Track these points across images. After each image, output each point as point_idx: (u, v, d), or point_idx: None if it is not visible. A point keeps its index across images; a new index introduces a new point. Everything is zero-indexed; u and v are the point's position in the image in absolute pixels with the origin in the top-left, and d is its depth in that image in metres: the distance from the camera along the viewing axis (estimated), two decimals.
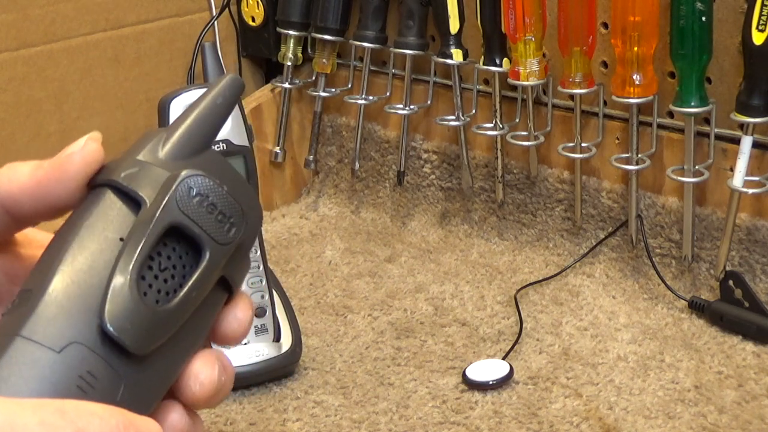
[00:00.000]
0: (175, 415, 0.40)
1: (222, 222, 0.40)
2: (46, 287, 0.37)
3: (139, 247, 0.38)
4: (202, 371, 0.40)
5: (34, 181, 0.41)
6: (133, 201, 0.39)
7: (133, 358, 0.37)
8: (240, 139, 0.86)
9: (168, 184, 0.39)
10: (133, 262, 0.38)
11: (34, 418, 0.33)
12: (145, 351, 0.37)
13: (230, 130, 0.86)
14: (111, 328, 0.37)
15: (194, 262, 0.39)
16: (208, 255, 0.39)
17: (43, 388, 0.35)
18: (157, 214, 0.39)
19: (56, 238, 0.40)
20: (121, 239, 0.38)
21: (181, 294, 0.39)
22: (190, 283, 0.39)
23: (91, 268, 0.38)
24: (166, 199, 0.39)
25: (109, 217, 0.39)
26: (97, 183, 0.40)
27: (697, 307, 0.94)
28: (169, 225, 0.39)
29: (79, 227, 0.39)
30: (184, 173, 0.40)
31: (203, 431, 0.41)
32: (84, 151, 0.40)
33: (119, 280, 0.37)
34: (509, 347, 0.92)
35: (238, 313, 0.42)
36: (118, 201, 0.40)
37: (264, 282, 0.88)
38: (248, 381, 0.88)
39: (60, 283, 0.38)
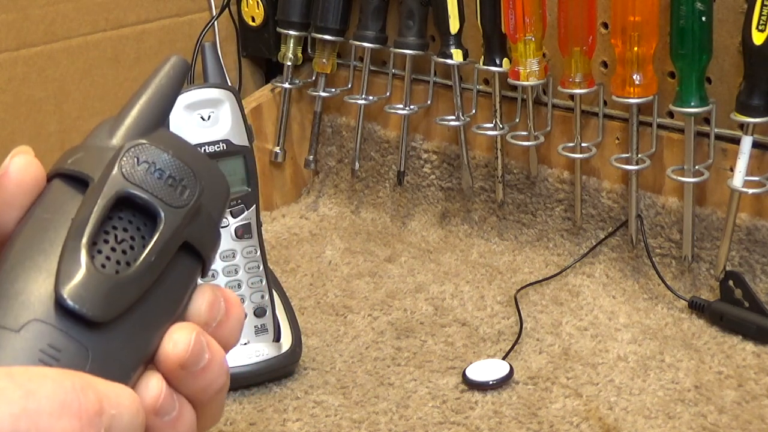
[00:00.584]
0: (153, 381, 0.38)
1: (173, 186, 0.40)
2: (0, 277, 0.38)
3: (89, 221, 0.38)
4: (177, 332, 0.39)
5: None
6: (81, 182, 0.40)
7: (97, 328, 0.37)
8: (240, 139, 0.86)
9: (114, 158, 0.39)
10: (84, 235, 0.37)
11: None
12: (105, 318, 0.37)
13: (230, 130, 0.86)
14: (66, 299, 0.36)
15: (153, 231, 0.39)
16: (162, 219, 0.39)
17: (4, 365, 0.35)
18: (104, 187, 0.38)
19: (10, 237, 0.40)
20: (72, 219, 0.38)
21: (140, 260, 0.38)
22: (148, 248, 0.39)
23: (43, 250, 0.38)
24: (112, 171, 0.39)
25: (59, 202, 0.39)
26: (48, 177, 0.41)
27: (697, 307, 0.94)
28: (117, 195, 0.39)
29: (29, 219, 0.39)
30: (127, 144, 0.40)
31: (191, 415, 0.40)
32: (12, 171, 0.39)
33: (70, 254, 0.37)
34: (509, 347, 0.92)
35: (196, 299, 0.41)
36: (65, 186, 0.40)
37: (264, 282, 0.88)
38: (248, 381, 0.88)
39: (13, 270, 0.38)
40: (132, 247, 0.39)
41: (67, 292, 0.37)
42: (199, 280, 0.42)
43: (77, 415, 0.34)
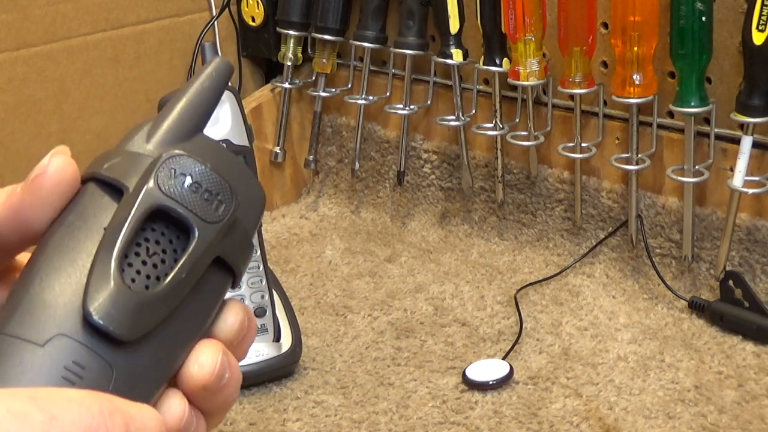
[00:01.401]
0: (175, 401, 0.38)
1: (209, 200, 0.39)
2: (28, 285, 0.37)
3: (121, 233, 0.37)
4: (203, 353, 0.39)
5: (10, 211, 0.39)
6: (116, 190, 0.39)
7: (123, 346, 0.36)
8: (240, 139, 0.86)
9: (150, 168, 0.38)
10: (115, 248, 0.37)
11: (1, 408, 0.32)
12: (132, 337, 0.36)
13: (230, 130, 0.86)
14: (94, 316, 0.36)
15: (186, 245, 0.38)
16: (196, 234, 0.38)
17: (28, 383, 0.35)
18: (138, 199, 0.38)
19: (41, 241, 0.39)
20: (105, 229, 0.38)
21: (170, 276, 0.38)
22: (179, 264, 0.38)
23: (73, 261, 0.37)
24: (147, 182, 0.38)
25: (92, 209, 0.39)
26: (83, 179, 0.40)
27: (697, 307, 0.95)
28: (151, 208, 0.38)
29: (61, 225, 0.39)
30: (164, 155, 0.39)
31: (203, 428, 0.40)
32: (50, 172, 0.39)
33: (101, 267, 0.36)
34: (509, 347, 0.92)
35: (229, 316, 0.41)
36: (100, 192, 0.39)
37: (264, 282, 0.88)
38: (248, 381, 0.88)
39: (42, 280, 0.37)
40: (163, 261, 0.38)
41: (95, 308, 0.36)
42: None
43: None
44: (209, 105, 0.42)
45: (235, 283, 0.42)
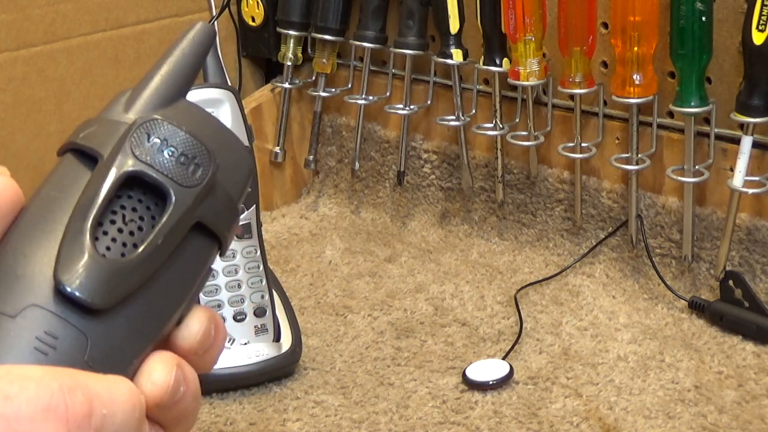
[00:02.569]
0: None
1: (185, 164, 0.38)
2: (1, 259, 0.36)
3: (94, 202, 0.36)
4: (156, 369, 0.37)
5: None
6: (92, 159, 0.38)
7: (97, 314, 0.36)
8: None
9: (124, 135, 0.38)
10: (87, 216, 0.36)
11: None
12: (106, 305, 0.36)
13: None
14: (65, 284, 0.35)
15: (163, 212, 0.38)
16: (173, 199, 0.37)
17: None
18: (112, 165, 0.37)
19: (18, 215, 0.38)
20: (79, 197, 0.37)
21: (146, 242, 0.37)
22: (155, 230, 0.37)
23: (46, 232, 0.36)
24: (121, 148, 0.37)
25: (67, 179, 0.38)
26: (62, 150, 0.39)
27: (697, 307, 0.94)
28: (125, 174, 0.37)
29: (36, 197, 0.38)
30: (138, 120, 0.38)
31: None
32: None
33: (73, 236, 0.36)
34: (509, 347, 0.92)
35: (192, 322, 0.39)
36: (75, 162, 0.38)
37: (264, 282, 0.88)
38: (248, 381, 0.88)
39: (16, 251, 0.36)
40: (141, 228, 0.37)
41: (66, 277, 0.35)
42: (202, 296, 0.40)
43: (63, 419, 0.32)
44: (191, 71, 0.41)
45: (222, 251, 0.40)
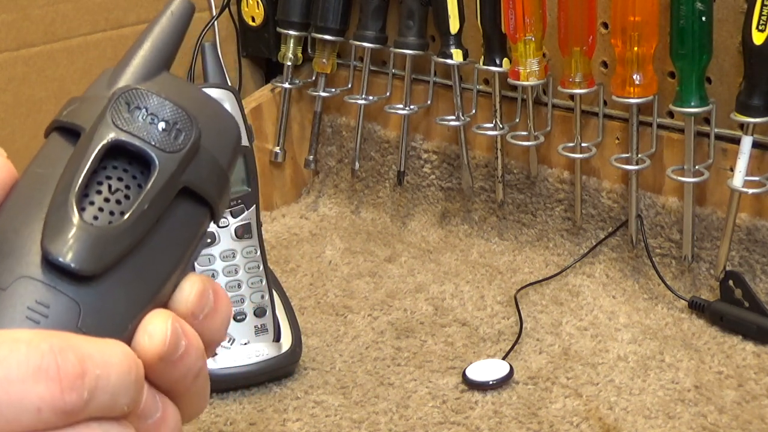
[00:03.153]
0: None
1: (166, 130, 0.38)
2: None
3: (77, 172, 0.37)
4: (151, 322, 0.37)
5: None
6: (76, 134, 0.39)
7: (87, 281, 0.36)
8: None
9: (105, 106, 0.38)
10: (72, 187, 0.36)
11: None
12: (95, 271, 0.36)
13: None
14: (52, 252, 0.35)
15: (148, 178, 0.38)
16: (156, 165, 0.38)
17: None
18: (94, 136, 0.37)
19: (6, 195, 0.39)
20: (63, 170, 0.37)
21: (133, 208, 0.37)
22: (141, 196, 0.37)
23: (34, 206, 0.37)
24: (102, 120, 0.38)
25: (53, 156, 0.38)
26: (46, 131, 0.40)
27: (697, 307, 0.95)
28: (108, 144, 0.37)
29: (24, 175, 0.38)
30: (117, 90, 0.38)
31: (175, 414, 0.37)
32: None
33: (58, 206, 0.36)
34: (509, 347, 0.92)
35: (185, 285, 0.39)
36: (60, 139, 0.39)
37: (264, 282, 0.88)
38: (248, 381, 0.88)
39: (4, 227, 0.37)
40: (127, 197, 0.37)
41: (53, 246, 0.35)
42: (197, 267, 0.41)
43: (55, 379, 0.32)
44: (172, 45, 0.41)
45: (214, 217, 0.41)
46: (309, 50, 1.23)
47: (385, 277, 1.07)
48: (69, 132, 0.39)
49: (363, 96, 1.17)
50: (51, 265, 0.35)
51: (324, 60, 1.21)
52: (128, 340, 0.37)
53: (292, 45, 1.22)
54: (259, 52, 1.30)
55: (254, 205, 0.87)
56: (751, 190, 0.90)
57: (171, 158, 0.38)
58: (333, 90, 1.23)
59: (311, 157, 1.26)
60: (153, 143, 0.38)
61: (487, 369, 0.87)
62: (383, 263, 1.10)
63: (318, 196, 1.27)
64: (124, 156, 0.38)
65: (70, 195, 0.36)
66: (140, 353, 0.36)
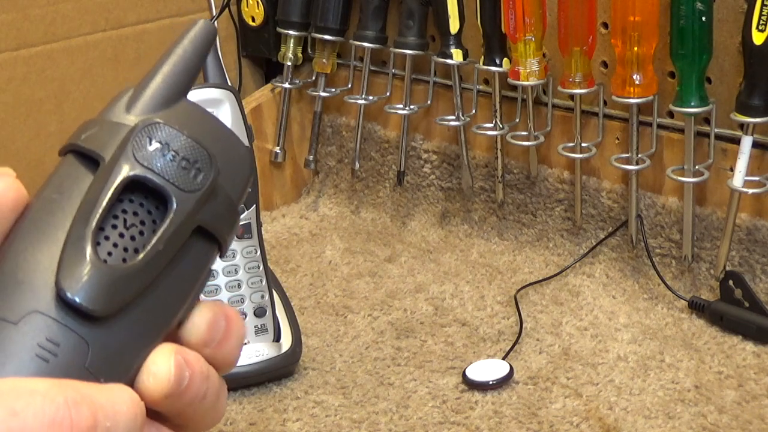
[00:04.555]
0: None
1: (186, 169, 0.38)
2: (2, 262, 0.36)
3: (96, 207, 0.36)
4: (153, 362, 0.37)
5: None
6: (93, 161, 0.38)
7: (98, 321, 0.36)
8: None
9: (126, 138, 0.38)
10: (89, 222, 0.36)
11: None
12: (108, 312, 0.36)
13: None
14: (67, 292, 0.35)
15: (164, 216, 0.37)
16: (174, 204, 0.37)
17: (1, 362, 0.34)
18: (114, 170, 0.37)
19: (19, 218, 0.38)
20: (81, 202, 0.37)
21: (147, 248, 0.37)
22: (156, 236, 0.37)
23: (48, 235, 0.37)
24: (123, 153, 0.37)
25: (69, 182, 0.38)
26: (63, 150, 0.39)
27: (697, 307, 0.95)
28: (127, 179, 0.37)
29: (38, 199, 0.38)
30: (140, 124, 0.38)
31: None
32: None
33: (75, 242, 0.36)
34: (509, 347, 0.92)
35: (196, 317, 0.39)
36: (77, 164, 0.38)
37: (264, 282, 0.88)
38: (248, 381, 0.88)
39: (18, 256, 0.36)
40: (141, 233, 0.37)
41: (68, 284, 0.35)
42: (202, 297, 0.41)
43: None
44: (192, 70, 0.41)
45: (222, 252, 0.40)
46: (309, 50, 1.23)
47: (385, 277, 1.07)
48: (86, 158, 0.38)
49: (363, 96, 1.17)
50: (64, 302, 0.35)
51: (324, 60, 1.21)
52: (133, 378, 0.37)
53: (292, 45, 1.22)
54: (259, 52, 1.30)
55: (254, 205, 0.87)
56: (751, 190, 0.90)
57: (189, 198, 0.38)
58: (333, 90, 1.23)
59: (311, 157, 1.26)
60: (172, 181, 0.38)
61: (487, 369, 0.87)
62: (383, 263, 1.10)
63: (318, 196, 1.27)
64: (140, 190, 0.38)
65: (87, 230, 0.36)
66: (144, 393, 0.37)
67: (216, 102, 0.85)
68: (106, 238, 0.37)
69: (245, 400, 0.87)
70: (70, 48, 1.18)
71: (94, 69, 1.20)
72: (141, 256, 0.37)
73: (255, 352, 0.87)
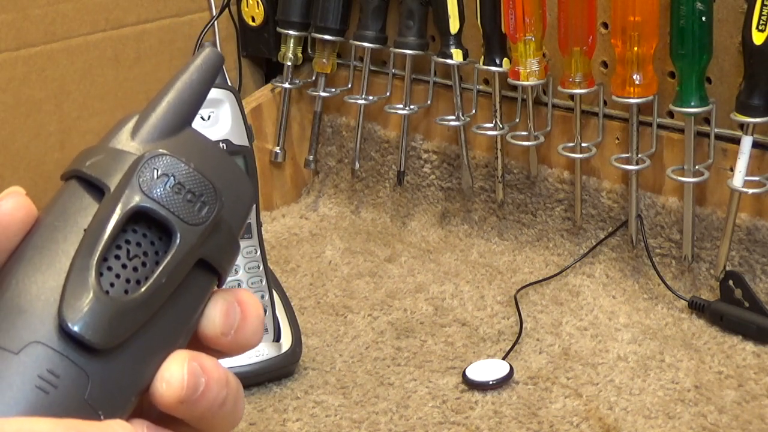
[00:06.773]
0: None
1: (191, 202, 0.38)
2: (4, 289, 0.36)
3: (100, 237, 0.36)
4: (167, 369, 0.37)
5: None
6: (97, 189, 0.38)
7: (99, 354, 0.35)
8: (240, 139, 0.86)
9: (132, 168, 0.37)
10: (94, 253, 0.36)
11: None
12: (109, 345, 0.36)
13: (230, 130, 0.86)
14: (69, 324, 0.35)
15: (167, 247, 0.37)
16: (178, 237, 0.37)
17: (1, 392, 0.34)
18: (119, 200, 0.37)
19: (21, 243, 0.38)
20: (85, 231, 0.37)
21: (150, 281, 0.37)
22: (159, 269, 0.37)
23: (50, 264, 0.36)
24: (129, 183, 0.37)
25: (72, 209, 0.38)
26: (66, 175, 0.39)
27: (697, 307, 0.95)
28: (132, 210, 0.37)
29: (40, 225, 0.38)
30: (147, 154, 0.38)
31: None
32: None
33: (78, 273, 0.36)
34: (509, 347, 0.92)
35: (209, 311, 0.39)
36: (81, 191, 0.38)
37: (264, 282, 0.88)
38: (248, 381, 0.88)
39: (19, 283, 0.36)
40: (144, 264, 0.37)
41: (70, 315, 0.35)
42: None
43: None
44: (198, 98, 0.40)
45: (221, 283, 0.40)
46: (309, 50, 1.23)
47: (385, 277, 1.07)
48: (89, 185, 0.38)
49: (363, 96, 1.17)
50: (66, 334, 0.35)
51: (324, 60, 1.21)
52: (132, 409, 0.37)
53: (292, 45, 1.22)
54: (259, 52, 1.30)
55: (254, 205, 0.87)
56: (751, 190, 0.90)
57: (193, 231, 0.38)
58: (333, 90, 1.23)
59: (311, 157, 1.26)
60: (177, 214, 0.37)
61: (487, 369, 0.87)
62: (383, 263, 1.10)
63: (318, 196, 1.27)
64: (144, 221, 0.37)
65: (91, 261, 0.36)
66: (159, 400, 0.37)
67: (216, 102, 0.85)
68: (109, 268, 0.36)
69: (245, 400, 0.87)
70: (70, 48, 1.18)
71: (94, 69, 1.20)
72: (143, 289, 0.37)
73: (255, 352, 0.87)
